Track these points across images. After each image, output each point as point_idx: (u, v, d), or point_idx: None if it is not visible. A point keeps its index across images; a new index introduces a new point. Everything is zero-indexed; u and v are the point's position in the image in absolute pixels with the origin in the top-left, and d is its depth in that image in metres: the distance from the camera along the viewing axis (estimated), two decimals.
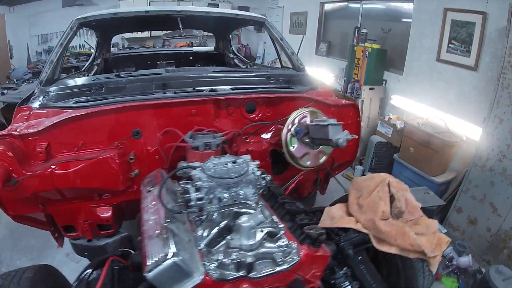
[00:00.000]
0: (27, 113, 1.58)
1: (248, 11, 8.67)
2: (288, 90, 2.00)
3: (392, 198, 1.71)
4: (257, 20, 2.61)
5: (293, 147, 1.75)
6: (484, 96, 2.96)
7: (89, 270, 1.26)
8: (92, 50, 6.06)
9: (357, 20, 4.92)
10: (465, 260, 2.51)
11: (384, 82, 4.42)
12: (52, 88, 1.71)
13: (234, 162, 1.34)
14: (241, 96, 1.78)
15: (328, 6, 5.78)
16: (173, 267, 0.91)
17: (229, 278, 1.02)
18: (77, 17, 2.15)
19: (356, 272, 1.52)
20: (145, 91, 1.74)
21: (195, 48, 4.62)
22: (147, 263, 0.92)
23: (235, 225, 1.17)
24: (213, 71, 2.17)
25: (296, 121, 1.74)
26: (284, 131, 1.71)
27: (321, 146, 1.82)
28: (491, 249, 2.57)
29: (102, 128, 1.58)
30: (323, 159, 1.91)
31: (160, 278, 0.92)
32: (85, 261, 1.83)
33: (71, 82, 1.95)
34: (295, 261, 1.10)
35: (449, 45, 3.29)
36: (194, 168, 1.32)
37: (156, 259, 0.92)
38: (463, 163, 3.17)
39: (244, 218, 1.13)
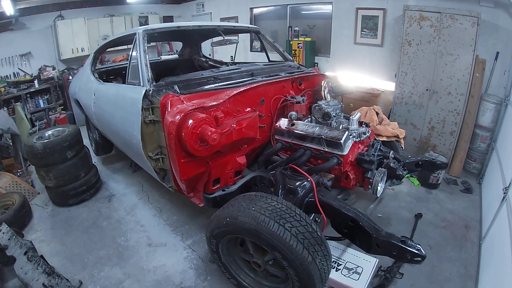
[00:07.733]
0: (177, 97, 2.00)
1: (172, 20, 9.08)
2: (311, 70, 3.15)
3: (377, 114, 3.10)
4: (253, 30, 3.57)
5: (327, 97, 2.92)
6: (389, 62, 4.71)
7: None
8: (27, 77, 5.67)
9: (286, 20, 6.32)
10: None
11: (316, 64, 5.95)
12: (176, 82, 2.24)
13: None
14: (299, 76, 2.82)
15: (256, 10, 6.99)
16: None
17: None
18: (144, 29, 2.55)
19: None
20: (243, 78, 2.51)
21: (163, 57, 5.12)
22: (339, 137, 1.95)
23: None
24: (263, 64, 3.13)
25: (327, 85, 2.92)
26: (325, 91, 2.88)
27: None
28: (419, 150, 4.28)
29: (247, 98, 2.28)
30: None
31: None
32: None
33: (185, 77, 2.44)
34: None
35: (362, 32, 4.95)
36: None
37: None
38: (384, 106, 4.87)
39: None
